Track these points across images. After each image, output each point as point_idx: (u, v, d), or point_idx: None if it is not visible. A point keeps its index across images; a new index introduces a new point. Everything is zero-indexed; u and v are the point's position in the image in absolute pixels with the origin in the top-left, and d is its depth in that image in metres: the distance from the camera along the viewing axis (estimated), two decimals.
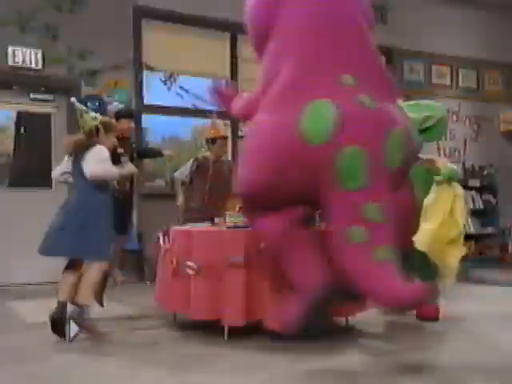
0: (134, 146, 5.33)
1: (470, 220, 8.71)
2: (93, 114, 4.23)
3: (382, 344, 3.99)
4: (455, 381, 3.17)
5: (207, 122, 5.82)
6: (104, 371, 3.32)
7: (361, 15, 3.38)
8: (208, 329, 4.07)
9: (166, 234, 4.41)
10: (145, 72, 7.38)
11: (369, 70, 3.28)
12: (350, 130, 3.03)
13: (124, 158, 4.75)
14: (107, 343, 3.92)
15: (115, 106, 6.24)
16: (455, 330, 4.31)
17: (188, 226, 4.48)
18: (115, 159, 4.36)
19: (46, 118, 7.06)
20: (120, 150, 4.76)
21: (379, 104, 3.16)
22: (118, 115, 5.16)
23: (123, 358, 3.55)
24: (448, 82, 9.59)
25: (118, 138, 4.42)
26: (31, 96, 6.93)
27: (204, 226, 4.43)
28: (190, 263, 3.97)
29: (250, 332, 3.91)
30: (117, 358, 3.52)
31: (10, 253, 6.52)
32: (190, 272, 3.96)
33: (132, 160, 4.96)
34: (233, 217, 4.17)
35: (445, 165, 5.43)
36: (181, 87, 8.31)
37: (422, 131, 4.14)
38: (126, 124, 5.08)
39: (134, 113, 5.45)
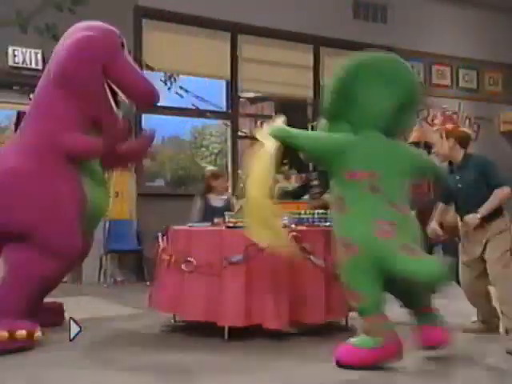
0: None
1: None
2: None
3: None
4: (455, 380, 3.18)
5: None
6: (104, 372, 3.33)
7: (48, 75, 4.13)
8: (208, 329, 4.07)
9: (165, 233, 4.41)
10: (145, 72, 7.37)
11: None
12: None
13: None
14: (107, 344, 3.92)
15: None
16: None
17: (187, 226, 4.48)
18: None
19: None
20: None
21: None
22: None
23: (123, 359, 3.55)
24: (448, 81, 9.58)
25: None
26: (31, 96, 6.89)
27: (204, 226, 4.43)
28: (190, 259, 3.95)
29: (250, 332, 3.91)
30: (117, 359, 3.52)
31: None
32: (186, 269, 3.94)
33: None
34: (233, 216, 4.17)
35: None
36: (181, 87, 8.33)
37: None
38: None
39: None
